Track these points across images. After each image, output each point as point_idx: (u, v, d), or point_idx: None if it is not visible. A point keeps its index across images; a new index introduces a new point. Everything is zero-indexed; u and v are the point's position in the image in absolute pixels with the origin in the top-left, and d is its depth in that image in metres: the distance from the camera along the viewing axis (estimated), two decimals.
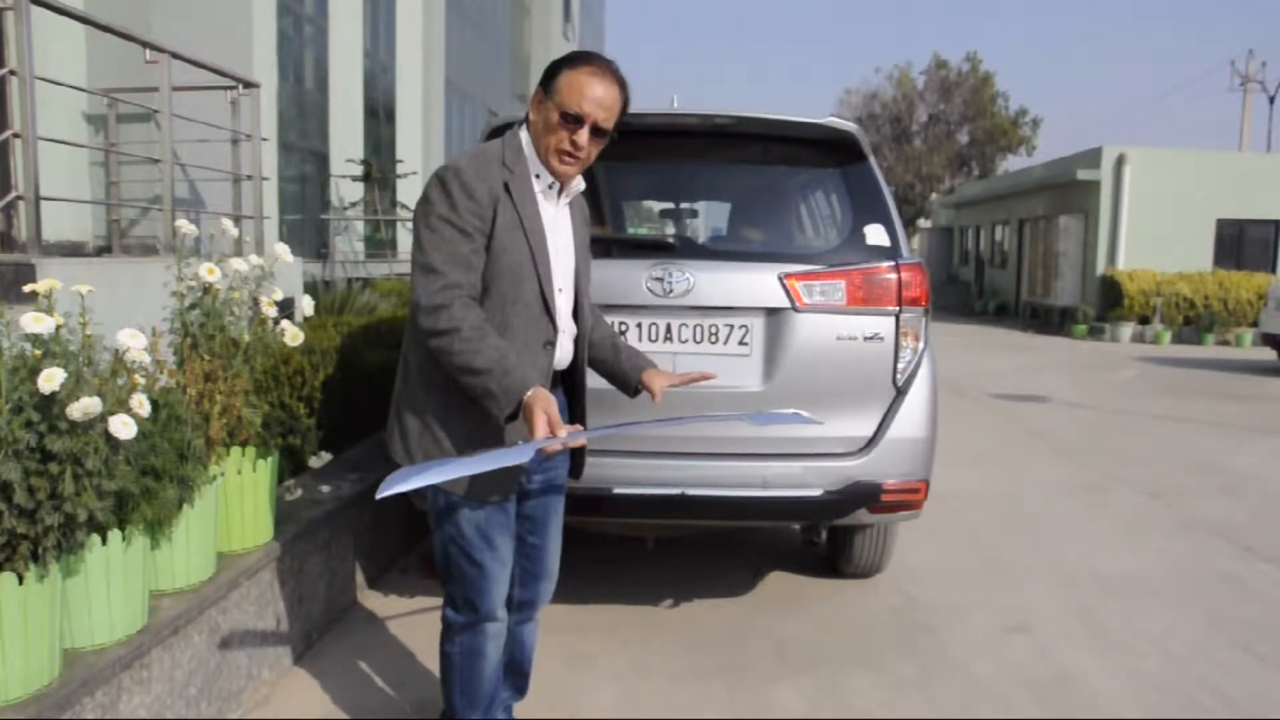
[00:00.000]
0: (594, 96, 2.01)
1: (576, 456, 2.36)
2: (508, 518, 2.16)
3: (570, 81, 2.01)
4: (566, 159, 2.05)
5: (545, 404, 1.84)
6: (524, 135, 2.11)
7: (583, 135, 2.03)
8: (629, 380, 2.34)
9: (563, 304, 2.16)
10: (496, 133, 3.30)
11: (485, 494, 2.08)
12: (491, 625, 2.20)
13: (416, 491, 2.11)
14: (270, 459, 2.84)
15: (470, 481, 2.05)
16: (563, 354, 2.19)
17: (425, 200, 2.01)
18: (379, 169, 11.51)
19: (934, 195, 35.18)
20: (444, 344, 1.93)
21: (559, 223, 2.16)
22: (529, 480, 2.24)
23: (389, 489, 1.67)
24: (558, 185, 2.11)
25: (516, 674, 2.46)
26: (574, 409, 2.29)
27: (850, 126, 3.23)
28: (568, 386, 2.29)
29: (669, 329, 3.04)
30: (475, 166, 2.01)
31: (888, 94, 36.97)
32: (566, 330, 2.20)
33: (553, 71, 2.06)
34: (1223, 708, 2.85)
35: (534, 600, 2.39)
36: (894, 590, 3.77)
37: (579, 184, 2.19)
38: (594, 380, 2.34)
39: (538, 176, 2.09)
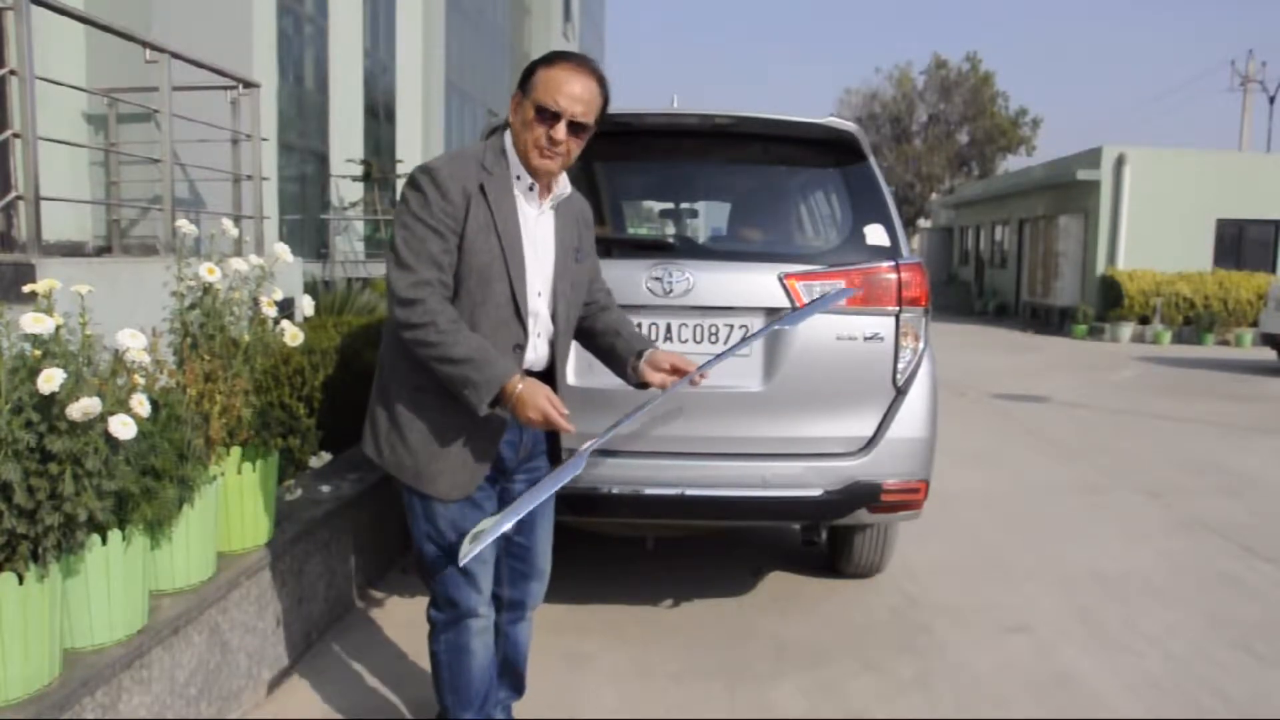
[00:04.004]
0: (570, 92, 2.03)
1: (556, 455, 2.35)
2: (485, 514, 2.16)
3: (546, 78, 2.04)
4: (545, 154, 2.06)
5: (544, 392, 1.95)
6: (507, 138, 2.12)
7: (560, 130, 2.03)
8: (624, 363, 2.32)
9: (541, 307, 2.16)
10: (496, 133, 3.30)
11: (454, 492, 2.09)
12: (475, 622, 2.20)
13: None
14: (270, 459, 2.84)
15: (439, 480, 2.08)
16: (538, 356, 2.20)
17: (401, 199, 2.06)
18: (379, 169, 11.50)
19: (934, 195, 35.18)
20: (420, 335, 1.95)
21: (540, 226, 2.16)
22: (512, 480, 2.25)
23: (473, 551, 1.78)
24: (538, 187, 2.11)
25: (512, 673, 2.46)
26: None
27: (850, 126, 3.23)
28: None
29: (669, 329, 3.04)
30: (451, 167, 2.03)
31: (888, 94, 36.93)
32: (544, 333, 2.20)
33: (529, 71, 2.08)
34: (1223, 708, 2.85)
35: (524, 600, 2.39)
36: (894, 590, 3.77)
37: (565, 188, 2.19)
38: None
39: (519, 178, 2.10)
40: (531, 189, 2.11)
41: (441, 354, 1.94)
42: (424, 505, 2.13)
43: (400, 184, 12.28)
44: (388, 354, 2.14)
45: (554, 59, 2.08)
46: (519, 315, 2.08)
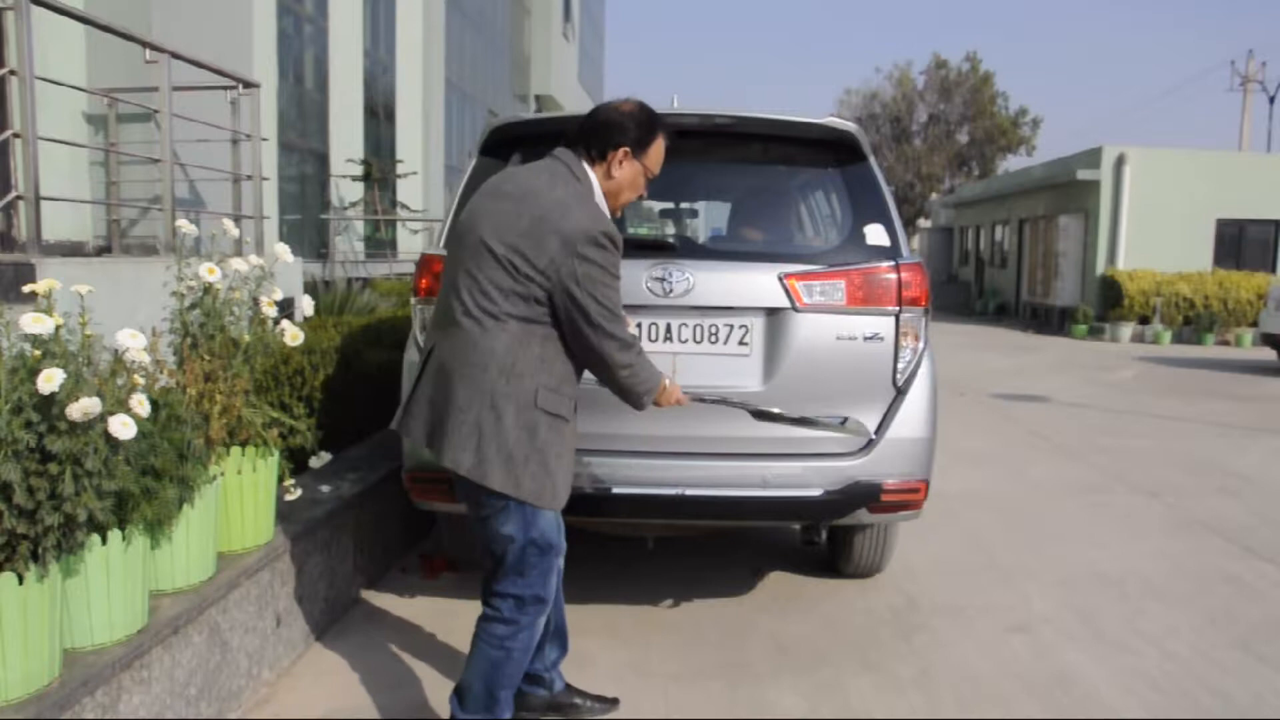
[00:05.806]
0: None
1: None
2: None
3: (660, 149, 2.35)
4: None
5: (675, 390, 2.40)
6: (592, 175, 2.28)
7: None
8: None
9: None
10: (496, 133, 3.30)
11: (566, 498, 2.27)
12: (544, 614, 2.34)
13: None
14: (270, 459, 2.84)
15: (561, 493, 2.24)
16: None
17: (596, 265, 2.14)
18: (379, 169, 11.50)
19: (934, 195, 35.17)
20: (640, 366, 2.27)
21: None
22: None
23: None
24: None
25: (561, 634, 2.60)
26: None
27: (850, 126, 3.23)
28: None
29: (669, 329, 3.04)
30: (612, 222, 2.22)
31: (888, 94, 36.94)
32: None
33: (648, 137, 2.32)
34: (1223, 708, 2.85)
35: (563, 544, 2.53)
36: (894, 590, 3.77)
37: None
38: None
39: None
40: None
41: (646, 375, 2.28)
42: (534, 515, 2.21)
43: (400, 184, 12.31)
44: (526, 393, 2.16)
45: (662, 125, 2.35)
46: None
